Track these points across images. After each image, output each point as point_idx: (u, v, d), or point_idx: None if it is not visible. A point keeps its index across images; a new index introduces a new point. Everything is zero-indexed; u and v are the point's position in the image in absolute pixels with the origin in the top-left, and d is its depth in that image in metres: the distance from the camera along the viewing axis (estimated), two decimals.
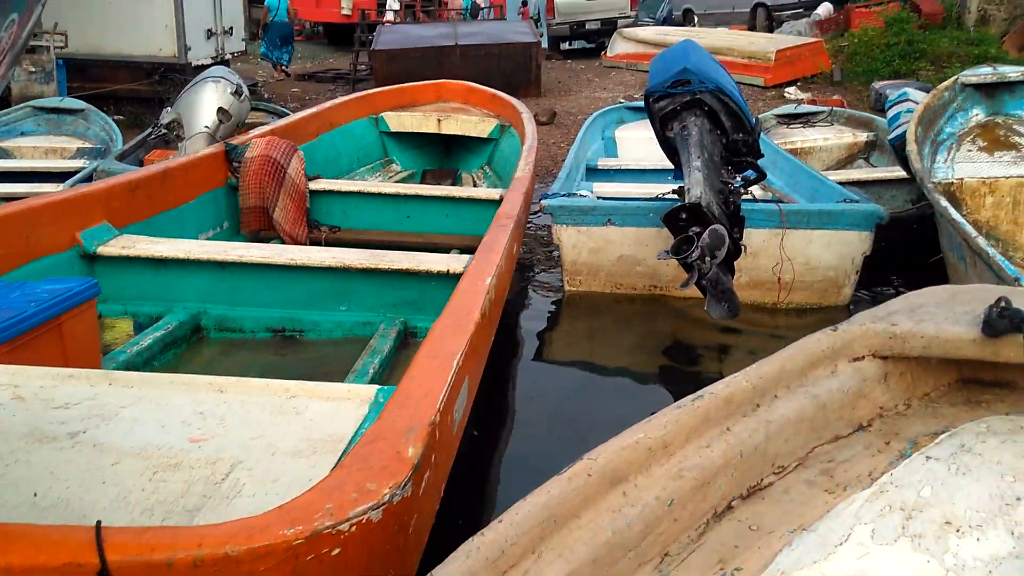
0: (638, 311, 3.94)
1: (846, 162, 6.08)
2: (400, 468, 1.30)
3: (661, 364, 3.60)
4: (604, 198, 4.44)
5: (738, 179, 3.42)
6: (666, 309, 3.92)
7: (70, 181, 4.99)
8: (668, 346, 3.70)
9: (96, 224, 2.96)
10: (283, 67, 13.72)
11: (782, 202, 4.51)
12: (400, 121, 5.81)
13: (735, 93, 3.44)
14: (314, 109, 5.25)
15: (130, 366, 2.51)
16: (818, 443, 1.63)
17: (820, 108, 7.02)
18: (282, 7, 13.78)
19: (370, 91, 6.33)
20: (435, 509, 1.59)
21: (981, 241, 2.98)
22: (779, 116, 6.94)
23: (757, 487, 1.53)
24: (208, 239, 3.72)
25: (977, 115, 4.48)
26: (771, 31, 15.03)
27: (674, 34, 14.29)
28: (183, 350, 2.83)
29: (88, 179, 4.79)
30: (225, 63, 10.47)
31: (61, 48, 8.19)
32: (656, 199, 3.96)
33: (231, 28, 10.65)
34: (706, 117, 3.36)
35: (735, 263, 3.06)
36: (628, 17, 17.22)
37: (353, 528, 1.17)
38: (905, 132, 4.20)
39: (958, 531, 1.28)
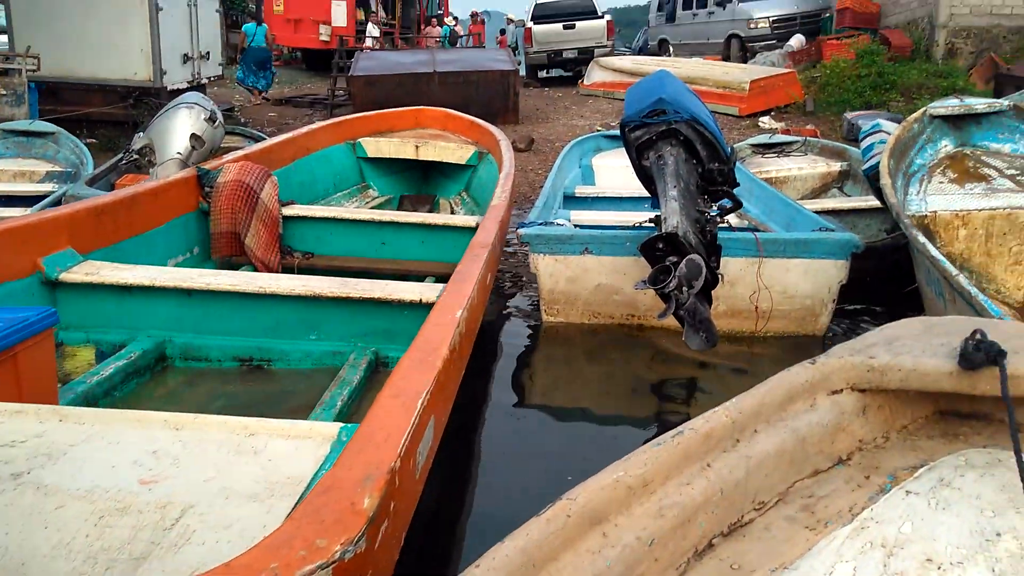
0: (616, 341, 3.90)
1: (820, 191, 6.15)
2: (354, 521, 1.22)
3: (639, 397, 3.55)
4: (581, 226, 4.42)
5: (714, 208, 3.42)
6: (644, 339, 3.89)
7: (38, 205, 4.88)
8: (646, 378, 3.66)
9: (59, 250, 2.88)
10: (259, 91, 13.69)
11: (758, 230, 4.53)
12: (378, 147, 5.79)
13: (710, 123, 3.46)
14: (290, 134, 5.21)
15: (89, 397, 2.42)
16: (798, 478, 1.61)
17: (794, 138, 7.12)
18: (259, 32, 13.80)
19: (348, 117, 6.31)
20: (393, 560, 1.51)
21: (963, 280, 2.99)
22: (754, 146, 7.02)
23: (738, 524, 1.50)
24: (178, 264, 3.65)
25: (946, 146, 4.55)
26: (745, 62, 15.30)
27: (650, 63, 14.50)
28: (146, 380, 2.73)
29: (57, 203, 4.70)
30: (201, 87, 10.44)
31: (33, 71, 8.09)
32: (633, 227, 3.96)
33: (208, 53, 10.61)
34: (682, 147, 3.37)
35: (712, 292, 3.05)
36: (605, 47, 17.47)
37: None
38: (879, 163, 4.24)
39: (939, 568, 1.26)
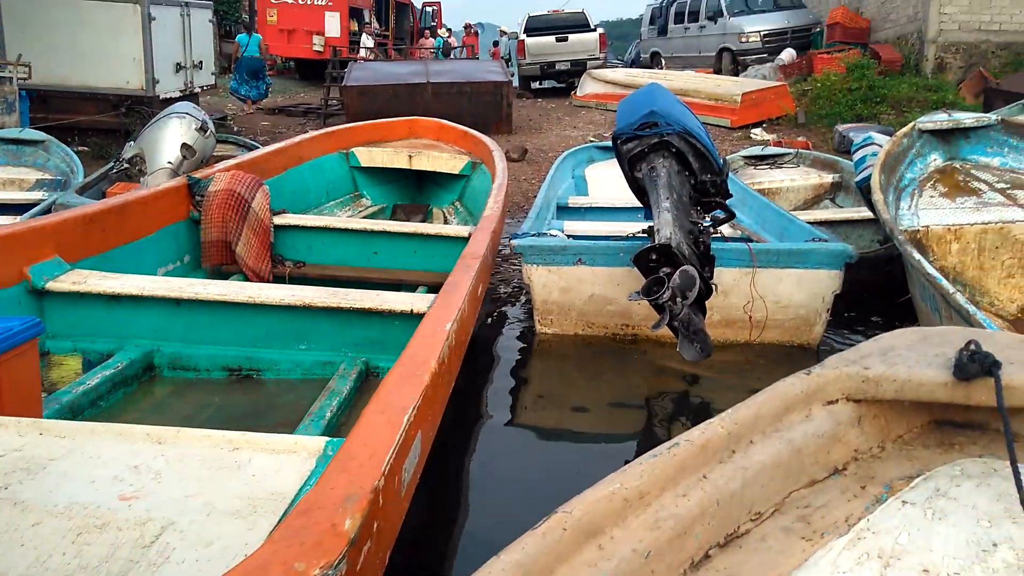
0: (610, 352, 3.88)
1: (812, 203, 6.17)
2: (335, 544, 1.19)
3: (633, 408, 3.52)
4: (575, 236, 4.42)
5: (707, 219, 3.41)
6: (638, 350, 3.87)
7: (28, 214, 4.84)
8: (641, 389, 3.64)
9: (46, 259, 2.84)
10: (252, 101, 13.69)
11: (752, 240, 4.53)
12: (371, 156, 5.78)
13: (702, 134, 3.46)
14: (283, 143, 5.19)
15: (75, 408, 2.38)
16: (794, 488, 1.59)
17: (787, 150, 7.15)
18: (252, 42, 13.83)
19: (341, 126, 6.30)
20: None
21: (960, 298, 2.98)
22: (747, 157, 7.05)
23: (734, 535, 1.49)
24: (167, 273, 3.61)
25: (935, 160, 4.58)
26: (736, 75, 15.40)
27: (642, 76, 14.59)
28: (133, 389, 2.69)
29: (47, 211, 4.66)
30: (194, 97, 10.42)
31: (24, 79, 8.06)
32: (626, 238, 3.95)
33: (201, 62, 10.61)
34: (674, 158, 3.37)
35: (706, 303, 3.04)
36: (597, 59, 17.58)
37: None
38: (871, 175, 4.26)
39: None
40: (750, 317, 3.78)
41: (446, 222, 5.58)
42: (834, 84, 11.65)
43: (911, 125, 4.61)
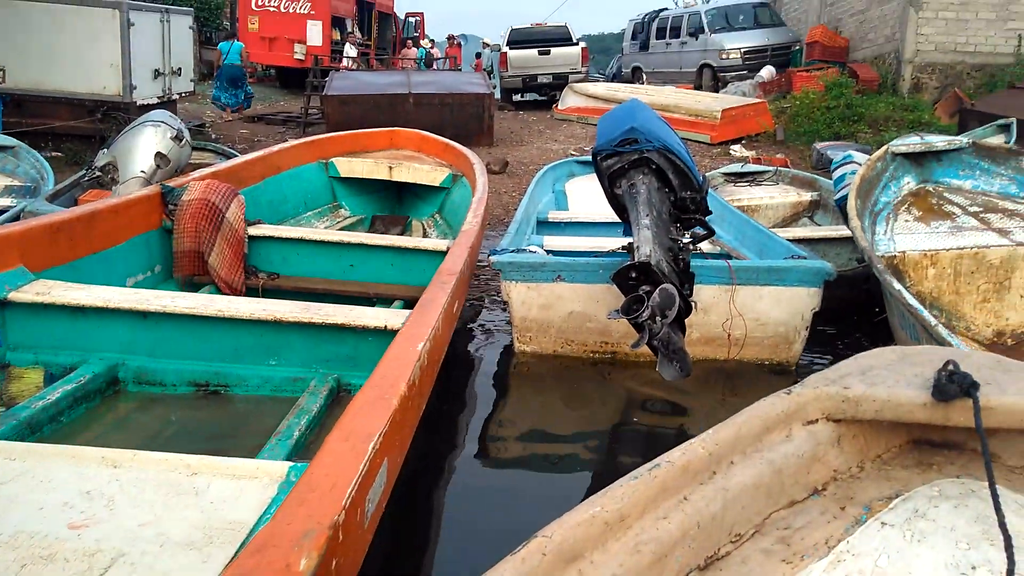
0: (589, 370, 3.84)
1: (791, 220, 6.20)
2: None
3: (613, 428, 3.48)
4: (555, 252, 4.39)
5: (687, 236, 3.40)
6: (617, 367, 3.84)
7: None
8: (620, 407, 3.59)
9: (10, 268, 2.75)
10: (230, 108, 13.58)
11: (731, 257, 4.53)
12: (351, 167, 5.72)
13: (682, 151, 3.45)
14: (261, 152, 5.12)
15: (33, 424, 2.29)
16: (774, 509, 1.59)
17: (766, 168, 7.20)
18: (233, 50, 13.72)
19: (321, 136, 6.24)
20: None
21: (942, 330, 2.99)
22: (726, 174, 7.09)
23: (715, 557, 1.47)
24: (137, 284, 3.53)
25: (909, 183, 4.62)
26: (716, 91, 15.55)
27: (623, 90, 14.69)
28: (96, 405, 2.60)
29: (15, 219, 4.54)
30: (172, 103, 10.30)
31: None
32: (606, 254, 3.93)
33: (180, 69, 10.50)
34: (654, 175, 3.36)
35: (686, 320, 3.01)
36: (579, 72, 17.68)
37: None
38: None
39: None
40: (729, 335, 3.76)
41: (425, 234, 5.54)
42: (813, 102, 11.79)
43: (884, 148, 4.65)
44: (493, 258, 3.81)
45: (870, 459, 1.71)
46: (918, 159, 4.64)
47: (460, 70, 20.43)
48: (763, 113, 12.17)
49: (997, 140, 7.97)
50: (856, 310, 4.52)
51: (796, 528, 1.54)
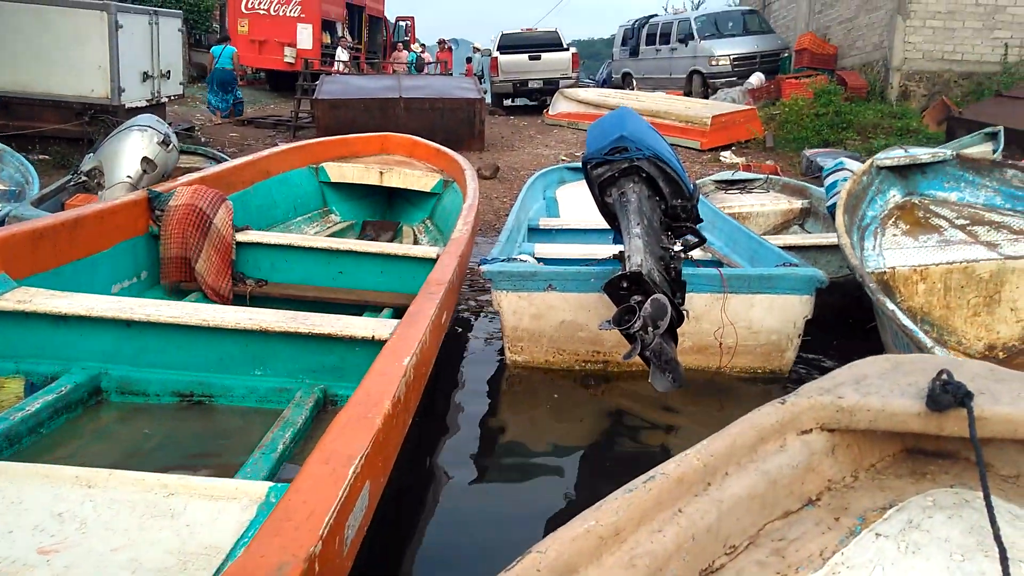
0: (581, 379, 3.80)
1: (781, 228, 6.21)
2: None
3: (606, 439, 3.43)
4: (546, 260, 4.36)
5: (678, 244, 3.38)
6: (610, 377, 3.81)
7: None
8: (613, 418, 3.55)
9: None
10: (220, 112, 13.53)
11: (722, 264, 4.52)
12: (341, 172, 5.69)
13: (672, 160, 3.44)
14: (250, 157, 5.08)
15: (12, 435, 2.24)
16: (768, 520, 1.58)
17: (757, 175, 7.22)
18: (225, 54, 13.68)
19: (311, 141, 6.21)
20: None
21: (939, 352, 2.98)
22: (717, 182, 7.11)
23: (709, 570, 1.46)
24: (123, 290, 3.48)
25: (895, 196, 4.63)
26: (706, 97, 15.61)
27: (614, 96, 14.72)
28: (77, 415, 2.55)
29: (0, 223, 4.47)
30: (161, 106, 10.23)
31: None
32: (598, 262, 3.91)
33: (169, 71, 10.43)
34: (644, 183, 3.34)
35: (678, 329, 2.99)
36: (570, 78, 17.70)
37: None
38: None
39: None
40: (721, 343, 3.75)
41: (416, 240, 5.51)
42: (802, 109, 11.84)
43: (869, 162, 4.65)
44: (484, 267, 3.78)
45: (864, 468, 1.71)
46: (903, 172, 4.65)
47: (451, 75, 20.43)
48: (753, 120, 12.22)
49: (985, 148, 8.04)
50: (848, 317, 4.52)
51: (791, 539, 1.53)
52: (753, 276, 3.77)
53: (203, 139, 11.18)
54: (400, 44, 22.87)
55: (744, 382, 3.82)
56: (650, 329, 2.57)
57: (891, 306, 3.33)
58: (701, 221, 3.58)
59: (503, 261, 3.89)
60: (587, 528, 1.29)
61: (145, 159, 4.38)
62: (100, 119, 8.99)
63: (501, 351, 3.96)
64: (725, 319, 3.71)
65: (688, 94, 16.34)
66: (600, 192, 3.43)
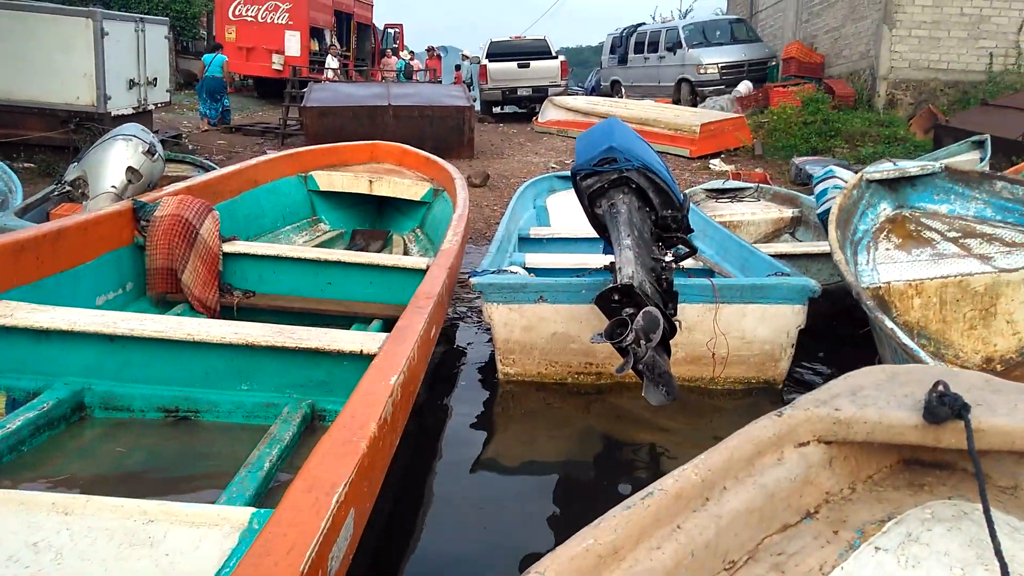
0: (574, 392, 3.77)
1: (772, 236, 6.22)
2: None
3: (600, 454, 3.38)
4: (537, 270, 4.33)
5: (669, 255, 3.36)
6: (603, 388, 3.77)
7: None
8: (607, 432, 3.51)
9: None
10: (209, 120, 13.47)
11: (714, 273, 4.51)
12: (330, 180, 5.65)
13: (662, 170, 3.42)
14: (238, 166, 5.03)
15: None
16: (767, 534, 1.57)
17: (747, 184, 7.24)
18: (216, 62, 13.65)
19: (300, 149, 6.16)
20: None
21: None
22: (708, 190, 7.12)
23: None
24: (108, 302, 3.42)
25: (885, 210, 4.64)
26: (695, 105, 15.68)
27: (603, 104, 14.75)
28: (60, 431, 2.49)
29: None
30: (148, 114, 10.16)
31: None
32: (589, 273, 3.88)
33: (155, 79, 10.35)
34: (634, 194, 3.32)
35: (671, 342, 2.96)
36: (559, 85, 17.75)
37: None
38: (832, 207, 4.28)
39: None
40: (714, 354, 3.73)
41: (406, 250, 5.47)
42: (790, 117, 11.91)
43: (859, 176, 4.66)
44: (474, 280, 3.74)
45: (861, 480, 1.70)
46: (893, 185, 4.66)
47: (440, 82, 20.43)
48: (741, 128, 12.28)
49: (972, 156, 8.10)
50: (840, 324, 4.51)
51: (790, 554, 1.52)
52: (745, 286, 3.76)
53: (190, 147, 11.11)
54: (389, 51, 22.87)
55: (738, 393, 3.79)
56: (643, 342, 2.54)
57: (890, 324, 3.32)
58: (692, 231, 3.56)
59: (493, 273, 3.85)
60: (586, 547, 1.27)
61: (130, 169, 4.32)
62: (86, 127, 8.92)
63: (493, 363, 3.92)
64: (717, 329, 3.69)
65: (676, 102, 16.42)
66: (590, 203, 3.40)
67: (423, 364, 2.65)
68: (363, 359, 2.46)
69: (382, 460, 1.98)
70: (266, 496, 2.11)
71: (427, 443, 3.34)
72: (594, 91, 22.44)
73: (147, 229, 3.66)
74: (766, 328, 3.73)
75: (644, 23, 21.14)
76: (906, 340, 3.18)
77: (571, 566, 1.24)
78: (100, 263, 3.41)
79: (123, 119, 8.77)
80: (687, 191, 6.70)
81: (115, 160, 4.34)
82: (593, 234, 3.85)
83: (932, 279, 4.06)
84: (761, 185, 7.18)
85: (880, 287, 4.08)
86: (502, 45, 18.41)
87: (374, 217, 6.09)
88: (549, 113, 15.00)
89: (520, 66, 17.64)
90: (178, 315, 3.50)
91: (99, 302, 3.39)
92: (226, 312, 3.71)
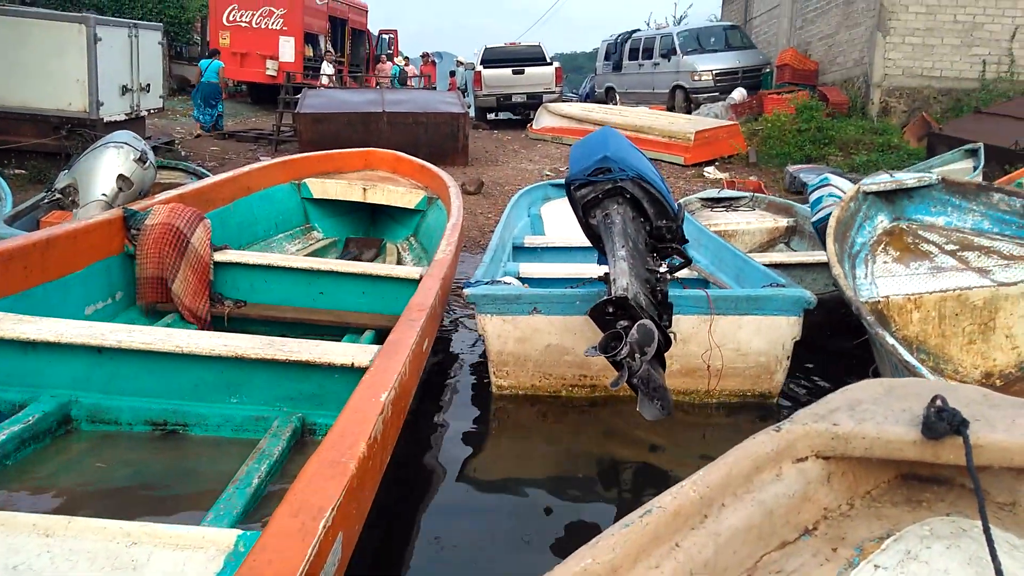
0: (569, 404, 3.73)
1: (767, 246, 6.21)
2: None
3: (596, 470, 3.32)
4: (531, 280, 4.30)
5: (663, 266, 3.34)
6: (598, 401, 3.73)
7: None
8: (602, 446, 3.45)
9: None
10: (202, 126, 13.44)
11: (708, 284, 4.48)
12: (324, 188, 5.62)
13: (656, 180, 3.40)
14: (231, 173, 5.00)
15: None
16: (766, 551, 1.54)
17: (742, 193, 7.23)
18: (211, 68, 13.63)
19: (294, 156, 6.14)
20: None
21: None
22: (703, 199, 7.11)
23: None
24: (97, 312, 3.39)
25: (883, 222, 4.62)
26: (689, 112, 15.71)
27: (597, 111, 14.77)
28: (45, 445, 2.45)
29: None
30: (141, 120, 10.12)
31: None
32: (583, 284, 3.86)
33: (149, 85, 10.32)
34: (628, 204, 3.30)
35: (665, 354, 2.93)
36: (553, 92, 17.77)
37: None
38: (827, 217, 4.25)
39: None
40: (708, 366, 3.70)
41: (400, 258, 5.44)
42: (784, 124, 11.94)
43: (856, 188, 4.64)
44: (467, 291, 3.70)
45: (859, 496, 1.68)
46: (889, 197, 4.64)
47: (434, 88, 20.44)
48: (736, 135, 12.30)
49: (966, 164, 8.10)
50: (834, 335, 4.50)
51: (788, 572, 1.50)
52: (740, 297, 3.73)
53: (183, 153, 11.07)
54: (384, 57, 22.87)
55: (734, 405, 3.76)
56: (637, 356, 2.51)
57: (891, 340, 3.29)
58: (686, 241, 3.53)
59: (487, 284, 3.82)
60: (584, 566, 1.26)
61: (121, 176, 4.27)
62: (78, 133, 8.88)
63: (486, 374, 3.89)
64: (712, 341, 3.67)
65: (671, 109, 16.45)
66: (584, 213, 3.38)
67: (414, 379, 2.62)
68: (354, 372, 2.43)
69: (372, 480, 1.94)
70: (255, 511, 2.08)
71: (419, 459, 3.29)
72: (588, 97, 22.48)
73: (137, 238, 3.63)
74: (761, 340, 3.70)
75: (639, 30, 21.19)
76: (908, 357, 3.16)
77: None
78: (89, 272, 3.38)
79: (116, 125, 8.75)
80: (682, 200, 6.69)
81: (106, 168, 4.30)
82: (587, 243, 3.83)
83: (931, 293, 4.03)
84: (756, 194, 7.18)
85: (879, 301, 4.05)
86: (497, 51, 18.44)
87: (368, 225, 6.07)
88: (544, 120, 15.01)
89: (515, 72, 17.66)
90: (168, 325, 3.47)
91: (88, 312, 3.35)
92: (217, 322, 3.67)
